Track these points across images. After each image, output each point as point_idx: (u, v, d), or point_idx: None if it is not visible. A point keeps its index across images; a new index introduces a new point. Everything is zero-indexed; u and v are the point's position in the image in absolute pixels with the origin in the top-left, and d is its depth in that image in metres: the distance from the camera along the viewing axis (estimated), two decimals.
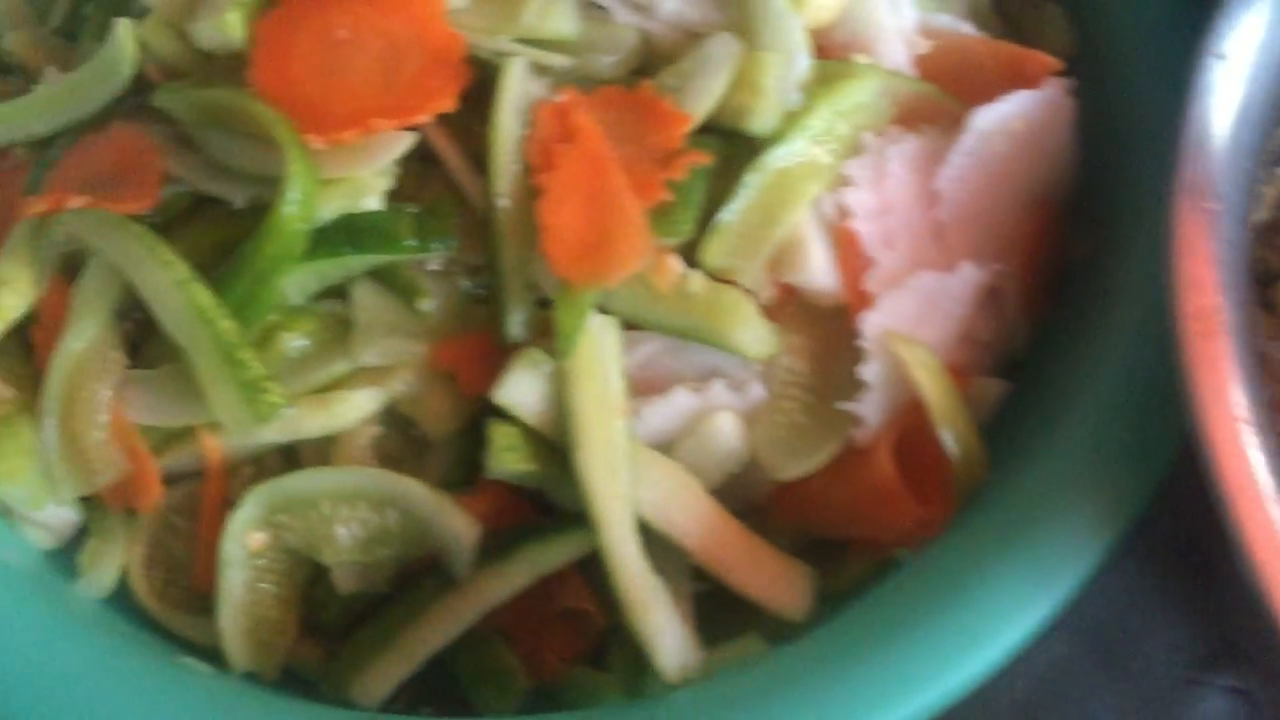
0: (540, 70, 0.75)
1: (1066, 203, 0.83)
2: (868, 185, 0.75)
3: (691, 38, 0.76)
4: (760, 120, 0.73)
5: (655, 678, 0.72)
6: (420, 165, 0.75)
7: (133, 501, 0.75)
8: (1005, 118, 0.76)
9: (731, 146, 0.75)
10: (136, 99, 0.78)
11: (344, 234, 0.72)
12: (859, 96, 0.76)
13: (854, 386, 0.73)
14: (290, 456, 0.77)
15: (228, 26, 0.73)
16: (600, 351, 0.71)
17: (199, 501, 0.76)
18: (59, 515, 0.78)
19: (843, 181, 0.75)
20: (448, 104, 0.72)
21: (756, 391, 0.75)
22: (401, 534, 0.73)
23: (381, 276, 0.75)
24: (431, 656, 0.74)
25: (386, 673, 0.73)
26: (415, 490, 0.72)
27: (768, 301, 0.75)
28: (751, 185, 0.73)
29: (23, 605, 0.71)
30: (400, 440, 0.77)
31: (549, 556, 0.73)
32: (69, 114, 0.78)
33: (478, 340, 0.75)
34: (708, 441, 0.74)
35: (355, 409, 0.74)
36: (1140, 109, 0.82)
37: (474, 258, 0.75)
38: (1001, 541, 0.69)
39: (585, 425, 0.70)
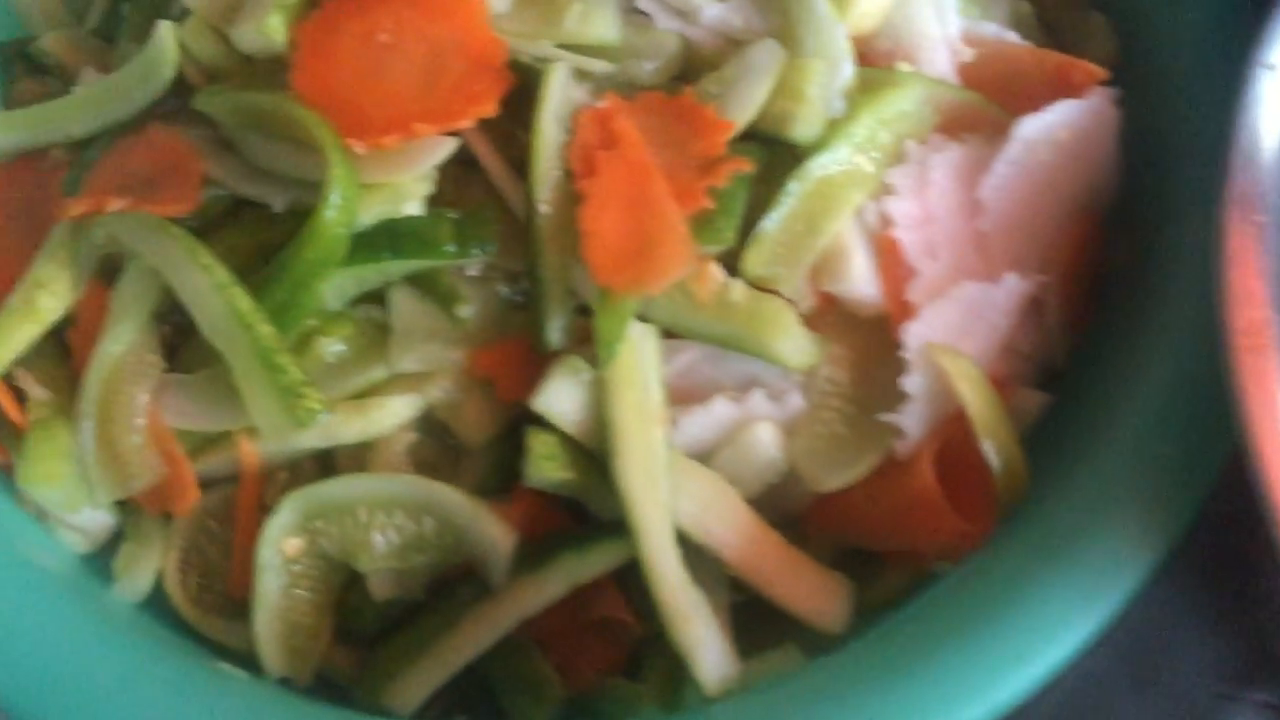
0: (581, 76, 0.75)
1: (1107, 212, 0.82)
2: (910, 194, 0.75)
3: (733, 44, 0.76)
4: (804, 128, 0.73)
5: (691, 689, 0.72)
6: (459, 170, 0.75)
7: (169, 506, 0.75)
8: (1051, 127, 0.75)
9: (773, 154, 0.74)
10: (175, 101, 0.77)
11: (384, 239, 0.72)
12: (902, 105, 0.75)
13: (894, 397, 0.73)
14: (325, 462, 0.77)
15: (270, 29, 0.72)
16: (640, 360, 0.71)
17: (234, 506, 0.76)
18: (94, 519, 0.77)
19: (885, 190, 0.75)
20: (489, 109, 0.71)
21: (796, 401, 0.74)
22: (438, 541, 0.73)
23: (420, 282, 0.75)
24: (466, 664, 0.73)
25: (421, 680, 0.73)
26: (452, 498, 0.72)
27: (808, 311, 0.74)
28: (794, 193, 0.73)
29: (59, 610, 0.71)
30: (436, 447, 0.77)
31: (585, 566, 0.72)
32: (108, 115, 0.78)
33: (515, 347, 0.74)
34: (746, 451, 0.73)
35: (392, 415, 0.74)
36: (1184, 118, 0.81)
37: (513, 264, 0.75)
38: (1045, 556, 0.68)
39: (624, 434, 0.70)
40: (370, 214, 0.71)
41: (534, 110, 0.72)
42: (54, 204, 0.78)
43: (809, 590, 0.74)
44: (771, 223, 0.72)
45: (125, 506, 0.78)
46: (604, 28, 0.75)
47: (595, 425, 0.71)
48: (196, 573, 0.77)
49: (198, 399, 0.73)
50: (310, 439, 0.74)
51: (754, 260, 0.72)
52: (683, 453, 0.72)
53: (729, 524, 0.72)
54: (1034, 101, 0.76)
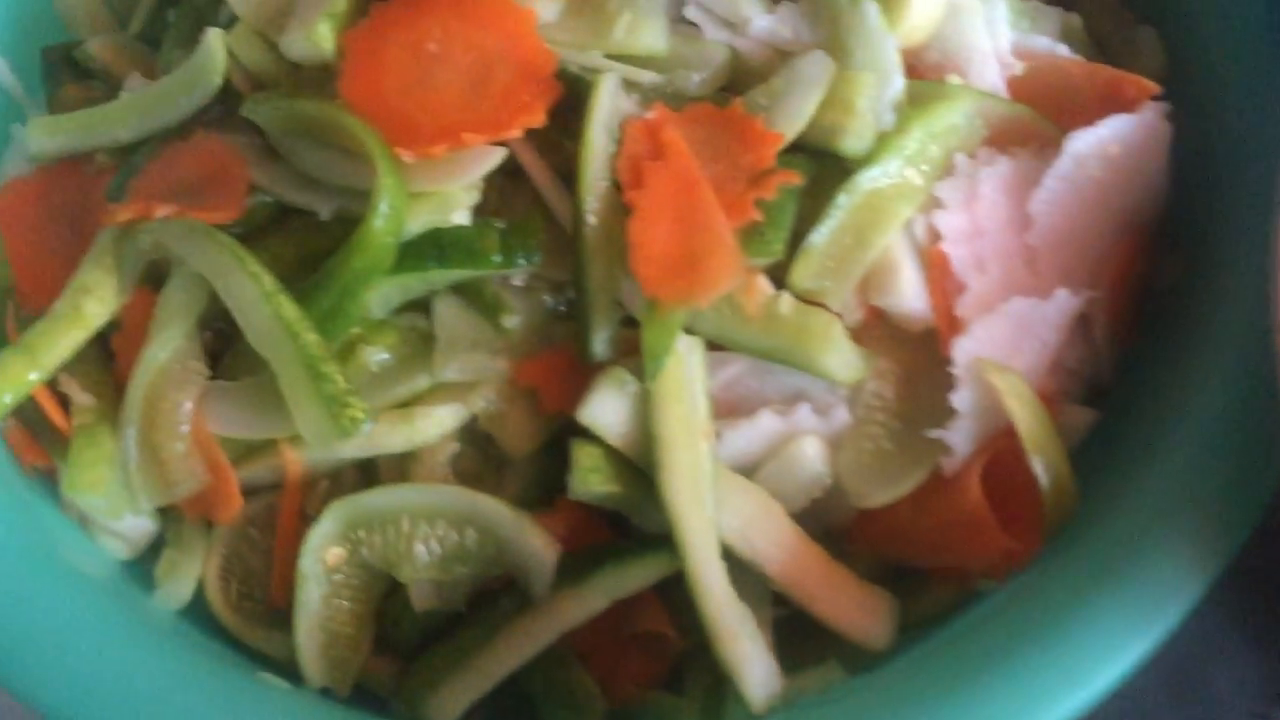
0: (629, 86, 0.74)
1: (1156, 226, 0.81)
2: (959, 208, 0.74)
3: (782, 56, 0.75)
4: (853, 141, 0.72)
5: (734, 704, 0.71)
6: (504, 179, 0.74)
7: (211, 513, 0.75)
8: (1102, 141, 0.74)
9: (821, 166, 0.74)
10: (221, 108, 0.78)
11: (430, 248, 0.72)
12: (952, 118, 0.74)
13: (941, 413, 0.72)
14: (367, 471, 0.77)
15: (318, 38, 0.72)
16: (687, 373, 0.70)
17: (276, 514, 0.76)
18: (136, 526, 0.77)
19: (934, 203, 0.74)
20: (537, 119, 0.71)
21: (842, 416, 0.73)
22: (480, 553, 0.72)
23: (465, 291, 0.75)
24: (506, 677, 0.73)
25: (460, 692, 0.73)
26: (496, 509, 0.72)
27: (855, 324, 0.74)
28: (842, 206, 0.72)
29: (100, 617, 0.70)
30: (478, 457, 0.76)
31: (628, 580, 0.72)
32: (155, 121, 0.78)
33: (559, 357, 0.74)
34: (791, 466, 0.73)
35: (436, 425, 0.74)
36: (1234, 132, 0.80)
37: (557, 274, 0.74)
38: (1095, 577, 0.67)
39: (671, 448, 0.69)
40: (418, 223, 0.71)
41: (582, 120, 0.72)
42: (99, 209, 0.78)
43: (852, 606, 0.73)
44: (820, 236, 0.72)
45: (166, 513, 0.78)
46: (652, 38, 0.74)
47: (640, 438, 0.71)
48: (237, 581, 0.77)
49: (242, 406, 0.73)
50: (353, 448, 0.74)
51: (802, 273, 0.72)
52: (727, 466, 0.72)
53: (773, 539, 0.72)
54: (1084, 115, 0.76)
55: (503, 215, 0.74)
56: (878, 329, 0.74)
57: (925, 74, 0.77)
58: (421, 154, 0.70)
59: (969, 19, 0.76)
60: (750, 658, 0.68)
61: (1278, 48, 0.79)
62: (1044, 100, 0.77)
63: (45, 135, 0.82)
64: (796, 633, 0.74)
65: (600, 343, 0.72)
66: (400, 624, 0.76)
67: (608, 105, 0.72)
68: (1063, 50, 0.80)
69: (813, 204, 0.72)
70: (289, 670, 0.74)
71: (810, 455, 0.72)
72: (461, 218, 0.72)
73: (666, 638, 0.74)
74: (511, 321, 0.74)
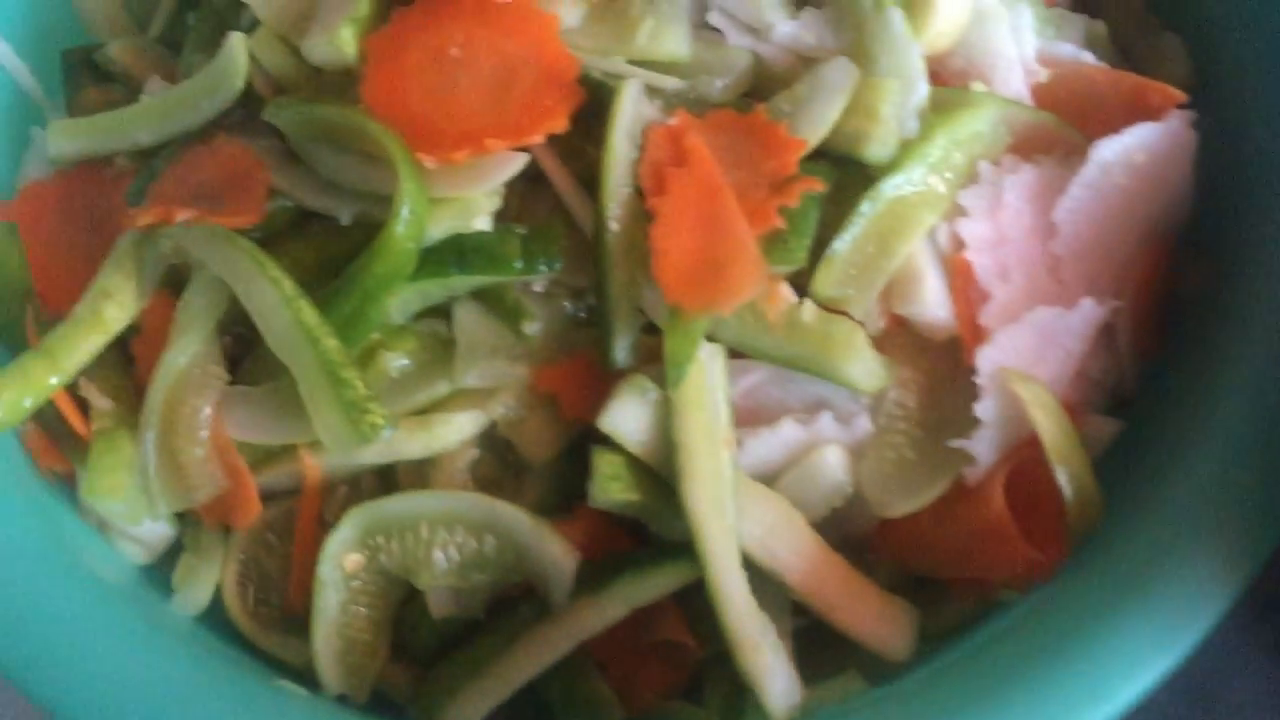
0: (652, 92, 0.74)
1: (1181, 235, 0.81)
2: (983, 216, 0.73)
3: (805, 62, 0.75)
4: (877, 148, 0.71)
5: (753, 714, 0.71)
6: (525, 185, 0.74)
7: (230, 519, 0.74)
8: (1128, 150, 0.74)
9: (845, 173, 0.73)
10: (242, 111, 0.77)
11: (451, 254, 0.72)
12: (977, 125, 0.74)
13: (964, 422, 0.72)
14: (386, 477, 0.77)
15: (341, 42, 0.72)
16: (709, 380, 0.70)
17: (294, 520, 0.76)
18: (153, 531, 0.77)
19: (958, 211, 0.74)
20: (560, 124, 0.71)
21: (864, 425, 0.73)
22: (499, 560, 0.72)
23: (485, 297, 0.74)
24: (524, 684, 0.72)
25: (478, 699, 0.72)
26: (515, 516, 0.71)
27: (877, 333, 0.73)
28: (866, 214, 0.72)
29: (118, 623, 0.70)
30: (497, 464, 0.76)
31: (647, 588, 0.71)
32: (176, 125, 0.77)
33: (580, 364, 0.73)
34: (813, 475, 0.72)
35: (456, 431, 0.73)
36: (1261, 141, 0.80)
37: (578, 280, 0.74)
38: (1120, 589, 0.67)
39: (692, 456, 0.69)
40: (439, 229, 0.71)
41: (605, 126, 0.71)
42: (119, 213, 0.78)
43: (873, 617, 0.73)
44: (843, 243, 0.71)
45: (184, 518, 0.78)
46: (675, 44, 0.74)
47: (661, 446, 0.70)
48: (255, 586, 0.77)
49: (261, 411, 0.73)
50: (372, 454, 0.73)
51: (825, 281, 0.71)
52: (748, 475, 0.72)
53: (793, 548, 0.71)
54: (1109, 123, 0.75)
55: (524, 221, 0.74)
56: (900, 337, 0.74)
57: (949, 81, 0.77)
58: (443, 159, 0.70)
59: (994, 25, 0.75)
60: (771, 669, 0.68)
61: None
62: (1069, 108, 0.77)
63: (65, 138, 0.81)
64: (816, 643, 0.73)
65: (621, 349, 0.71)
66: (418, 631, 0.75)
67: (630, 111, 0.72)
68: (1088, 57, 0.80)
69: (836, 211, 0.72)
70: (306, 676, 0.74)
71: (832, 464, 0.72)
72: (483, 223, 0.71)
73: (686, 647, 0.73)
74: (532, 328, 0.73)
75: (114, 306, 0.75)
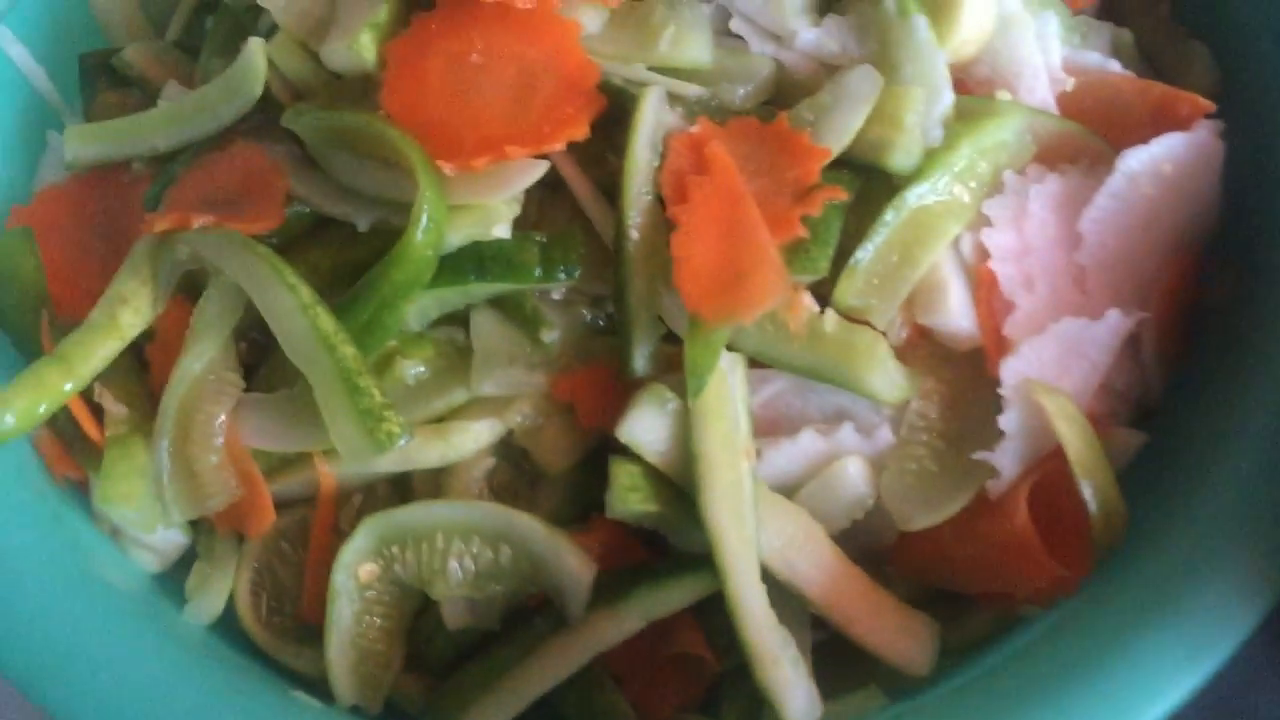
0: (673, 99, 0.73)
1: (1207, 246, 0.80)
2: (1008, 225, 0.73)
3: (828, 69, 0.74)
4: (901, 156, 0.71)
5: None
6: (545, 192, 0.74)
7: (244, 527, 0.74)
8: (1155, 160, 0.73)
9: (868, 182, 0.72)
10: (260, 117, 0.77)
11: (470, 262, 0.71)
12: (1002, 134, 0.73)
13: (987, 434, 0.71)
14: (401, 485, 0.76)
15: (360, 48, 0.72)
16: (729, 390, 0.69)
17: (308, 528, 0.75)
18: (167, 538, 0.77)
19: (982, 221, 0.73)
20: (580, 132, 0.70)
21: (885, 436, 0.72)
22: (514, 570, 0.71)
23: (503, 304, 0.74)
24: (539, 697, 0.71)
25: (492, 712, 0.71)
26: (532, 527, 0.70)
27: (899, 343, 0.73)
28: (889, 223, 0.71)
29: (131, 633, 0.70)
30: (513, 473, 0.75)
31: (665, 600, 0.71)
32: (193, 130, 0.77)
33: (598, 373, 0.73)
34: (834, 486, 0.71)
35: (472, 439, 0.73)
36: None
37: (597, 288, 0.73)
38: (1144, 605, 0.66)
39: (712, 467, 0.68)
40: (458, 236, 0.70)
41: (626, 134, 0.71)
42: (135, 218, 0.77)
43: (893, 631, 0.71)
44: (866, 253, 0.71)
45: (198, 526, 0.78)
46: (697, 51, 0.74)
47: (680, 456, 0.70)
48: (268, 595, 0.76)
49: (276, 419, 0.73)
50: (388, 462, 0.73)
51: (847, 290, 0.70)
52: (768, 486, 0.71)
53: (813, 561, 0.71)
54: (1136, 133, 0.75)
55: (543, 228, 0.73)
56: (923, 348, 0.73)
57: (974, 89, 0.76)
58: (463, 166, 0.69)
59: (1020, 33, 0.75)
60: (791, 684, 0.67)
61: None
62: (1095, 117, 0.76)
63: (81, 143, 0.81)
64: (836, 657, 0.72)
65: (640, 359, 0.71)
66: (433, 642, 0.75)
67: (652, 119, 0.72)
68: (1114, 66, 0.79)
69: (858, 220, 0.71)
70: (319, 687, 0.73)
71: (852, 476, 0.71)
72: (502, 231, 0.71)
73: (703, 660, 0.73)
74: (550, 336, 0.73)
75: (129, 312, 0.74)
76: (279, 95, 0.76)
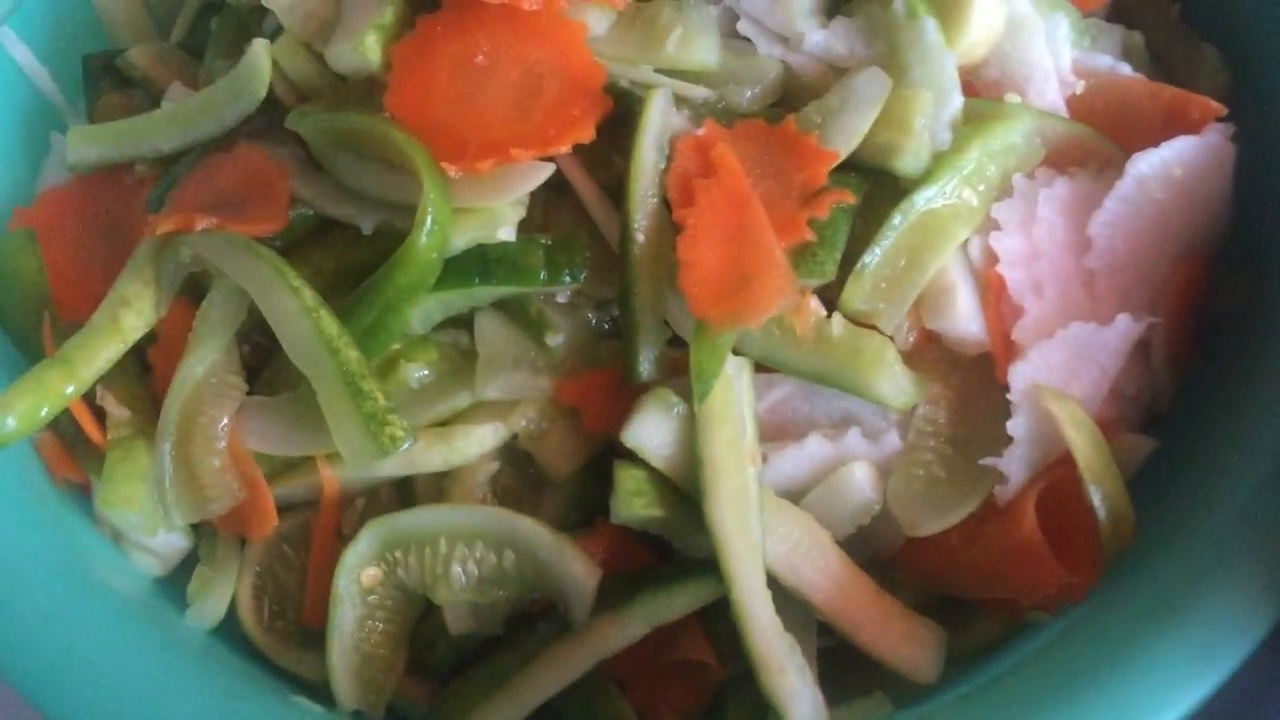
0: (680, 102, 0.73)
1: (1218, 250, 0.79)
2: (1017, 229, 0.72)
3: (836, 72, 0.74)
4: (909, 160, 0.70)
5: None
6: (550, 195, 0.73)
7: (246, 530, 0.73)
8: (1165, 163, 0.73)
9: (875, 185, 0.72)
10: (264, 119, 0.76)
11: (474, 265, 0.71)
12: (1011, 137, 0.72)
13: (996, 440, 0.70)
14: (405, 489, 0.76)
15: (366, 50, 0.71)
16: (735, 395, 0.69)
17: (310, 532, 0.75)
18: (168, 542, 0.76)
19: (991, 225, 0.72)
20: (586, 134, 0.69)
21: (892, 441, 0.72)
22: (518, 576, 0.71)
23: (507, 308, 0.73)
24: (542, 703, 0.71)
25: (495, 717, 0.71)
26: (536, 532, 0.70)
27: (907, 347, 0.72)
28: (897, 226, 0.70)
29: (134, 637, 0.69)
30: (517, 477, 0.75)
31: (669, 606, 0.70)
32: (197, 132, 0.77)
33: (603, 376, 0.72)
34: (840, 492, 0.71)
35: (476, 443, 0.72)
36: None
37: (603, 291, 0.73)
38: (1153, 613, 0.66)
39: (718, 472, 0.68)
40: (462, 239, 0.70)
41: (633, 136, 0.70)
42: (138, 220, 0.77)
43: (900, 638, 0.71)
44: (873, 257, 0.70)
45: (200, 529, 0.77)
46: (704, 53, 0.73)
47: (685, 461, 0.69)
48: (270, 599, 0.76)
49: (279, 422, 0.72)
50: (391, 466, 0.72)
51: (854, 295, 0.70)
52: (773, 491, 0.70)
53: (819, 567, 0.70)
54: (1146, 136, 0.74)
55: (548, 231, 0.73)
56: (931, 352, 0.73)
57: (983, 92, 0.75)
58: (468, 169, 0.69)
59: (1030, 36, 0.74)
60: (796, 691, 0.66)
61: None
62: (1105, 120, 0.76)
63: (85, 144, 0.81)
64: (841, 664, 0.72)
65: (646, 363, 0.70)
66: (435, 647, 0.74)
67: (658, 121, 0.71)
68: (1124, 69, 0.79)
69: (866, 224, 0.71)
70: (321, 692, 0.73)
71: (859, 481, 0.71)
72: (507, 234, 0.70)
73: (708, 666, 0.72)
74: (555, 339, 0.72)
75: (132, 315, 0.74)
76: (283, 97, 0.75)
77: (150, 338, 0.76)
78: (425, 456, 0.72)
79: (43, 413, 0.72)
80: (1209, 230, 0.77)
